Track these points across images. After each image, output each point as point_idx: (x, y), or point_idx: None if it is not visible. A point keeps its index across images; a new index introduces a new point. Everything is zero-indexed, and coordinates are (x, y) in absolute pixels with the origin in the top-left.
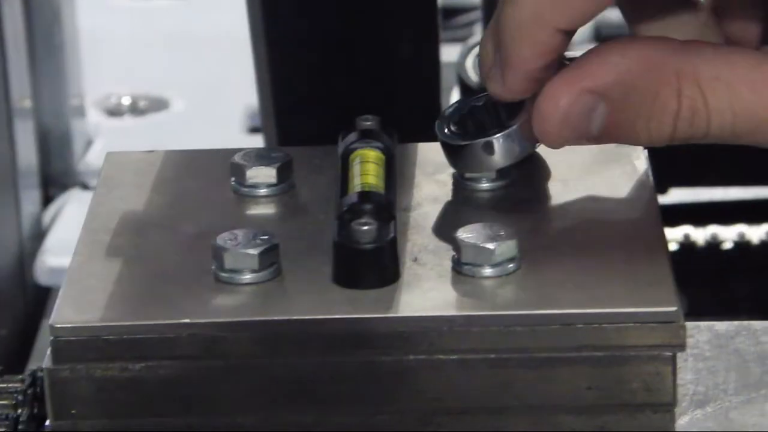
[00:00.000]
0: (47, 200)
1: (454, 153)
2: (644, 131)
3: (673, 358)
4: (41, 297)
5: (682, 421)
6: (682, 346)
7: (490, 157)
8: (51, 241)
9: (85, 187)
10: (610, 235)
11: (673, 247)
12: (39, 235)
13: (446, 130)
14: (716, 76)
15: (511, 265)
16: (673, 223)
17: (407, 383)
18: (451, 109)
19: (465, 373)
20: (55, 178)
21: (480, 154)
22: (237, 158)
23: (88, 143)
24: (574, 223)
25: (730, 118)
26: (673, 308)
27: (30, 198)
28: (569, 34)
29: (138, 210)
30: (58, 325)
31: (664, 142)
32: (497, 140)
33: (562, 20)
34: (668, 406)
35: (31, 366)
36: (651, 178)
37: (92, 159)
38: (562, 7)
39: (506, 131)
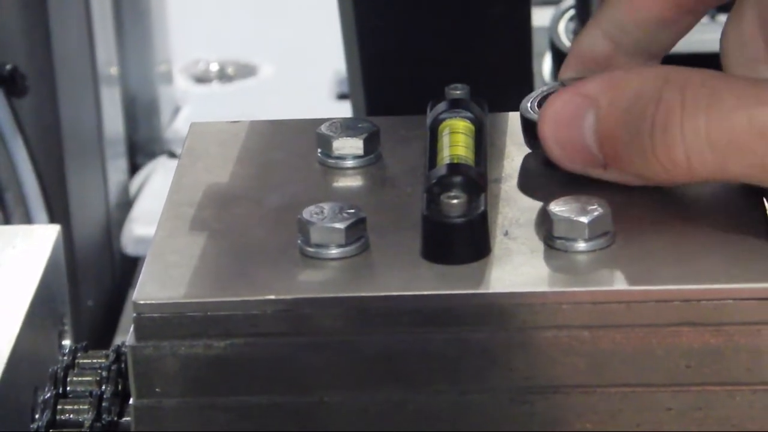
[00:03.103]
0: (134, 168)
1: (526, 128)
2: (634, 151)
3: None
4: (128, 267)
5: None
6: None
7: None
8: (138, 210)
9: (172, 155)
10: (707, 207)
11: None
12: (126, 204)
13: (528, 107)
14: (702, 84)
15: (604, 239)
16: None
17: (498, 360)
18: (544, 90)
19: (558, 351)
20: (142, 146)
21: None
22: (323, 129)
23: (176, 110)
24: (669, 195)
25: (704, 123)
26: None
27: (117, 166)
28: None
29: (222, 182)
30: (141, 302)
31: (658, 172)
32: None
33: None
34: None
35: (119, 338)
36: None
37: (180, 126)
38: None
39: None
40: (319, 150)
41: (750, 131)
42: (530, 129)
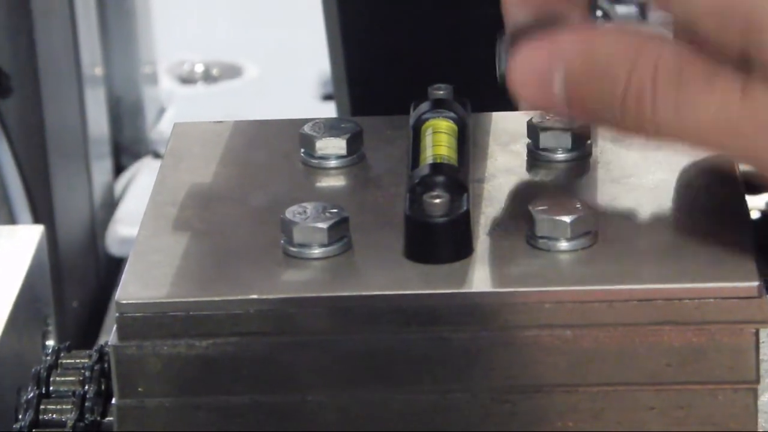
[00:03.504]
0: (119, 169)
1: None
2: (602, 108)
3: (756, 334)
4: (113, 268)
5: (765, 399)
6: (765, 322)
7: None
8: (123, 211)
9: (157, 155)
10: (690, 207)
11: (755, 215)
12: (111, 204)
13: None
14: (677, 61)
15: (587, 239)
16: (756, 190)
17: (480, 360)
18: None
19: (540, 350)
20: (127, 147)
21: None
22: (306, 129)
23: (161, 111)
24: (652, 195)
25: (673, 104)
26: (755, 283)
27: (101, 167)
28: None
29: (205, 182)
30: (124, 302)
31: (622, 129)
32: None
33: None
34: (751, 384)
35: (104, 338)
36: None
37: (164, 127)
38: None
39: None
40: (303, 150)
41: (716, 123)
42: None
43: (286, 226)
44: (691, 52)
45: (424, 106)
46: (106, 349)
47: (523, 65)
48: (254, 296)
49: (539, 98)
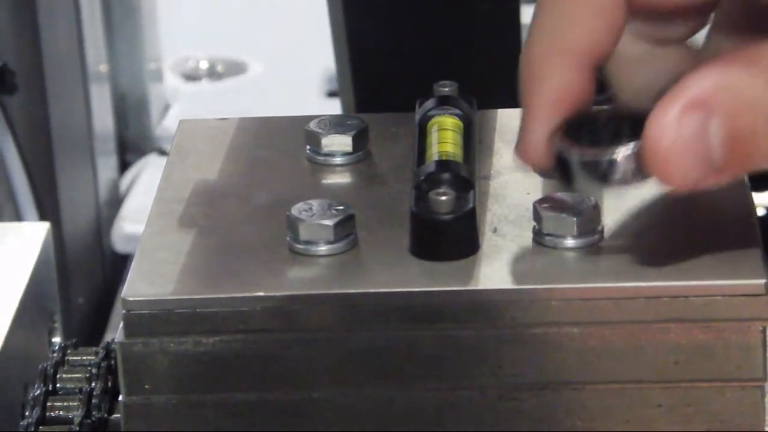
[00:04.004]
0: (124, 166)
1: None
2: None
3: (763, 332)
4: (119, 265)
5: None
6: None
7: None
8: (128, 208)
9: (162, 152)
10: (696, 204)
11: (761, 212)
12: (116, 201)
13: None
14: None
15: (593, 236)
16: (762, 187)
17: (487, 358)
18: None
19: (547, 348)
20: (132, 144)
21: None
22: (312, 126)
23: (166, 108)
24: (658, 192)
25: None
26: (762, 280)
27: (107, 164)
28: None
29: (211, 179)
30: (130, 299)
31: None
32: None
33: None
34: (758, 381)
35: (110, 335)
36: None
37: (169, 124)
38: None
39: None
40: (308, 147)
41: None
42: (590, 167)
43: (292, 223)
44: None
45: (430, 102)
46: (113, 346)
47: (669, 137)
48: (260, 293)
49: (694, 168)
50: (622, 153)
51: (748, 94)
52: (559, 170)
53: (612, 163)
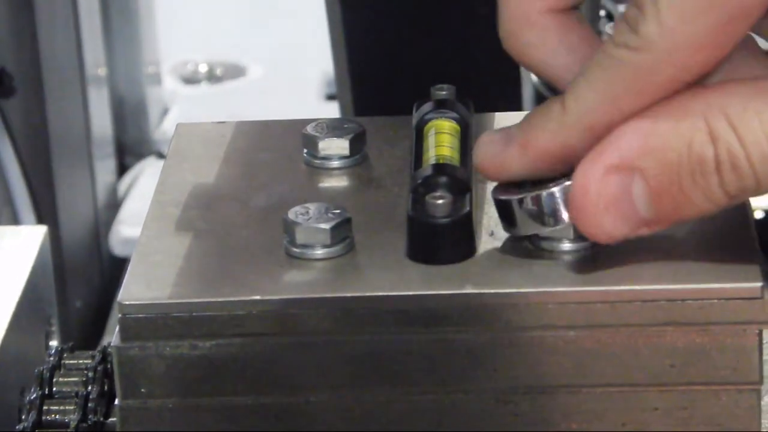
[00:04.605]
0: (122, 169)
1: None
2: (697, 195)
3: (759, 335)
4: (116, 268)
5: None
6: None
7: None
8: (126, 211)
9: (160, 155)
10: None
11: (758, 215)
12: (114, 204)
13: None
14: (744, 107)
15: (589, 240)
16: None
17: (483, 361)
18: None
19: (543, 351)
20: (131, 147)
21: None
22: (309, 129)
23: (164, 111)
24: None
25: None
26: (758, 284)
27: (105, 167)
28: None
29: (208, 183)
30: (126, 303)
31: (723, 202)
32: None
33: None
34: (754, 384)
35: (107, 339)
36: None
37: (168, 127)
38: None
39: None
40: (305, 150)
41: None
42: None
43: (289, 227)
44: (749, 87)
45: (427, 106)
46: (109, 349)
47: (591, 198)
48: (257, 297)
49: (621, 224)
50: (559, 186)
51: (672, 155)
52: (501, 214)
53: (550, 196)
